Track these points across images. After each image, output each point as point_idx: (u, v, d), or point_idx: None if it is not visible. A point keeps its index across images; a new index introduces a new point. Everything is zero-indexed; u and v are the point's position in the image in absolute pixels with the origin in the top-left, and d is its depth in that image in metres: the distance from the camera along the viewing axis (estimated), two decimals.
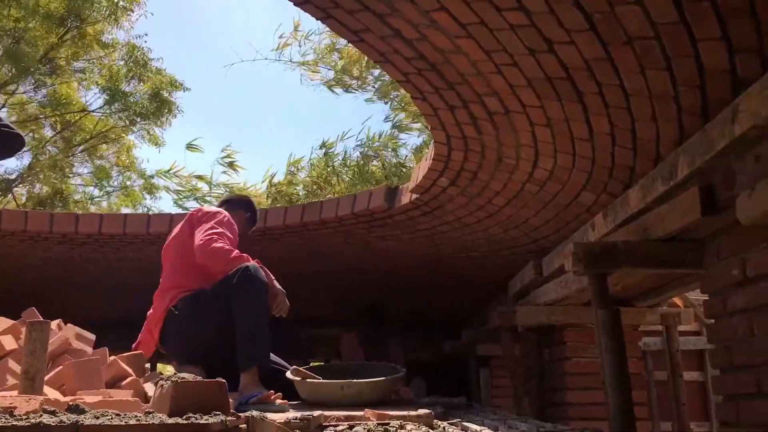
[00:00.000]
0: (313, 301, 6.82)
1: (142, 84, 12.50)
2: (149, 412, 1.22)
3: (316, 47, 13.09)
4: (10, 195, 12.43)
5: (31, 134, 12.10)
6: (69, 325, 3.74)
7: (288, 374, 3.86)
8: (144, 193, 14.00)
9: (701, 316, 4.58)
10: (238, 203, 4.10)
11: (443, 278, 5.86)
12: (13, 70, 10.40)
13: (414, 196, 4.11)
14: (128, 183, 13.95)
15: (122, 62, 12.73)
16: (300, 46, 16.46)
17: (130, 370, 3.46)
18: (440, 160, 3.51)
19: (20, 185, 12.54)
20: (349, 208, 4.76)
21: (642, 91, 2.27)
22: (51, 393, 2.80)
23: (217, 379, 1.31)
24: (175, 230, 3.87)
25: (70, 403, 2.31)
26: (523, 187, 3.49)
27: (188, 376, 1.39)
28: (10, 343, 3.24)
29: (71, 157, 12.86)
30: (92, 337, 3.70)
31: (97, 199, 14.02)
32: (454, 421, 3.29)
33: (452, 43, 2.33)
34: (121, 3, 12.04)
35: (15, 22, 10.85)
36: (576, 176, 3.13)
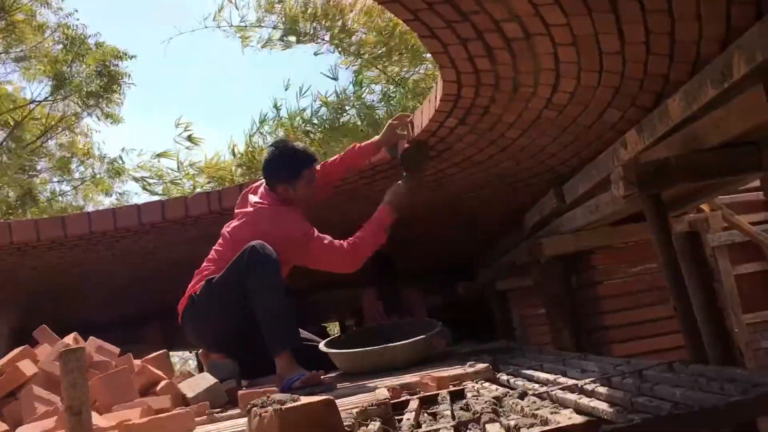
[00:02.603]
0: None
1: (83, 63, 11.81)
2: None
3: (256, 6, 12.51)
4: None
5: None
6: (91, 338, 3.52)
7: (321, 346, 3.74)
8: (113, 179, 13.39)
9: (729, 217, 4.45)
10: (290, 163, 3.88)
11: (448, 221, 5.68)
12: None
13: None
14: (94, 171, 13.36)
15: (59, 46, 12.04)
16: (237, 8, 15.75)
17: (161, 373, 3.27)
18: (449, 100, 3.27)
19: None
20: None
21: None
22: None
23: (326, 397, 1.12)
24: (239, 218, 3.76)
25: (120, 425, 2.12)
26: (540, 115, 3.28)
27: (287, 399, 1.19)
28: (29, 368, 3.00)
29: (30, 155, 12.26)
30: (116, 350, 3.49)
31: (67, 193, 13.45)
32: (511, 370, 3.15)
33: None
34: None
35: None
36: (601, 94, 2.92)
